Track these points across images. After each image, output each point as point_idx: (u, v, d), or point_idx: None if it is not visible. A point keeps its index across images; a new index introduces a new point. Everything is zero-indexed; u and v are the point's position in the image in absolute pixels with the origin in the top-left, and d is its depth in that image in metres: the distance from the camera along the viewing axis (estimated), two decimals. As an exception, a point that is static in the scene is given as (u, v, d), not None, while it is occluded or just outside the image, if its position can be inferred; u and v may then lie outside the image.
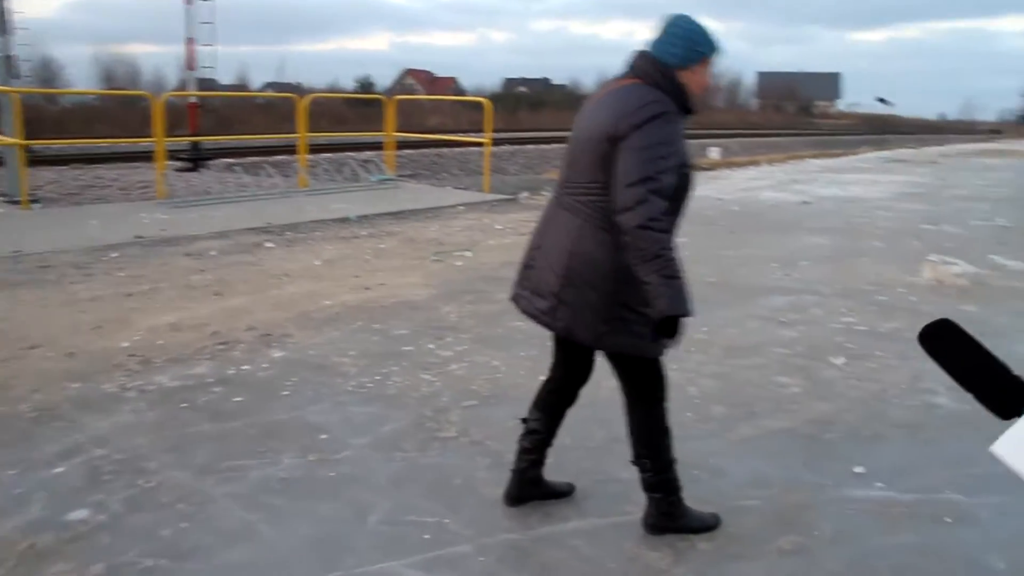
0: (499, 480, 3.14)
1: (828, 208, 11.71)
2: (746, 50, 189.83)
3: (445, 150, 20.67)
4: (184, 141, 14.45)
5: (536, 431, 2.99)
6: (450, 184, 13.77)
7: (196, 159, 14.39)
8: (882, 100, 37.82)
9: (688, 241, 8.13)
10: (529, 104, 53.69)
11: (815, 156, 23.25)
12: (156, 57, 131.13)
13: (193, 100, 15.01)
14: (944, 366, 1.25)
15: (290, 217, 9.12)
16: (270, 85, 64.09)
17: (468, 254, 7.59)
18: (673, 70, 2.53)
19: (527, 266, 2.78)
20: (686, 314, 2.42)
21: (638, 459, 2.81)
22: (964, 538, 2.92)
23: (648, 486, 2.83)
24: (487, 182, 12.65)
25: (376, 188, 12.18)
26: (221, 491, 3.12)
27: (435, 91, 70.59)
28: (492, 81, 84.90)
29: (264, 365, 4.49)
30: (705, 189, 13.30)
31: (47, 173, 12.89)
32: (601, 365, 2.94)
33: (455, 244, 8.06)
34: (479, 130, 13.95)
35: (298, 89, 47.40)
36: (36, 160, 13.43)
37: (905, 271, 7.29)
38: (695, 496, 3.03)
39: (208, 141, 15.65)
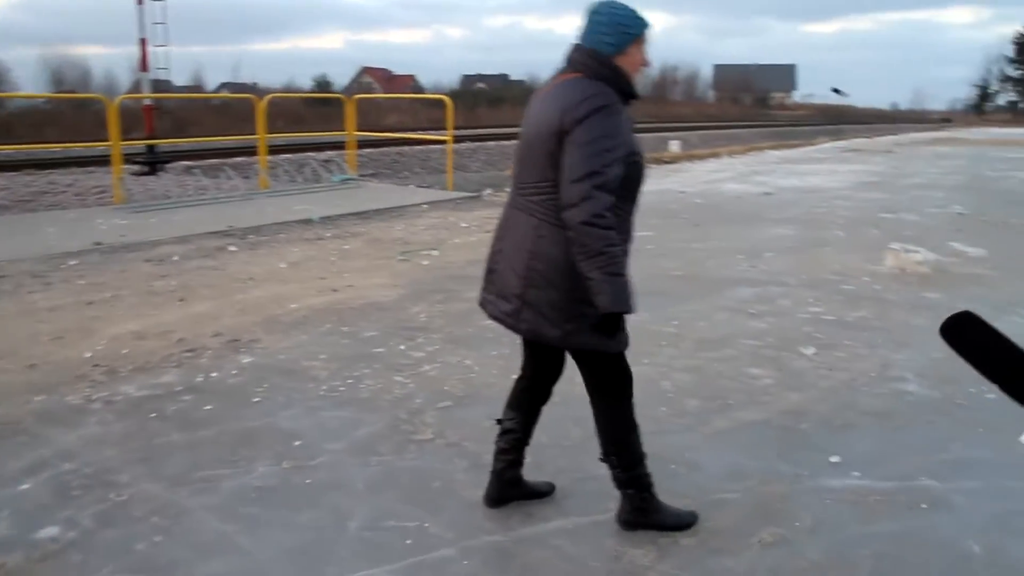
0: (478, 482, 3.12)
1: (789, 199, 11.84)
2: (701, 43, 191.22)
3: (406, 148, 20.55)
4: (140, 144, 14.20)
5: (512, 431, 2.97)
6: (413, 183, 13.69)
7: (153, 162, 14.14)
8: (837, 91, 38.46)
9: (653, 235, 8.21)
10: (488, 100, 53.58)
11: (774, 147, 23.53)
12: (107, 59, 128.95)
13: (148, 102, 14.73)
14: (966, 358, 1.25)
15: (252, 220, 9.00)
16: (225, 86, 63.25)
17: (435, 253, 7.55)
18: (610, 58, 2.52)
19: (490, 270, 2.78)
20: (627, 311, 2.45)
21: (606, 456, 2.81)
22: (941, 524, 2.95)
23: (619, 483, 2.83)
24: (450, 180, 12.60)
25: (338, 188, 12.07)
26: (195, 502, 3.06)
27: (393, 89, 70.28)
28: (450, 78, 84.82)
29: (233, 371, 4.42)
30: (667, 182, 13.39)
31: (-3, 179, 12.59)
32: (573, 362, 2.94)
33: (421, 243, 8.01)
34: (439, 128, 13.91)
35: (254, 89, 46.92)
36: (-15, 166, 13.11)
37: (867, 260, 7.39)
38: (673, 491, 3.04)
39: (165, 144, 15.38)
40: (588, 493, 3.10)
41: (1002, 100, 73.25)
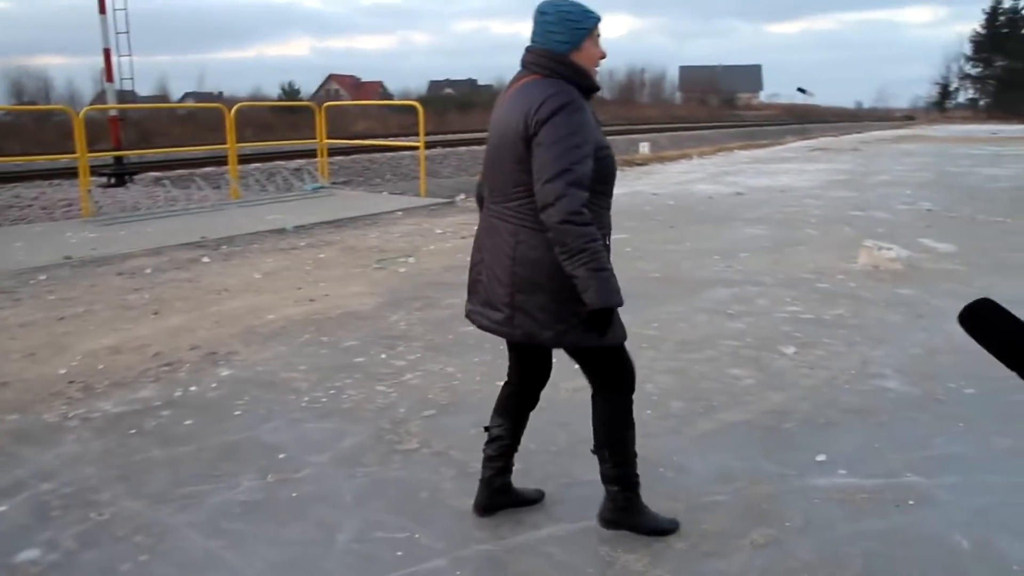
0: (466, 490, 3.09)
1: (761, 198, 11.93)
2: (667, 44, 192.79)
3: (377, 155, 20.46)
4: (107, 156, 14.00)
5: (500, 437, 2.95)
6: (385, 190, 13.62)
7: (121, 174, 13.95)
8: (802, 90, 38.88)
9: (629, 237, 8.23)
10: (457, 106, 53.52)
11: (743, 147, 23.72)
12: (68, 69, 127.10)
13: (114, 113, 14.54)
14: (986, 346, 1.24)
15: (225, 230, 8.90)
16: (190, 95, 62.75)
17: (411, 260, 7.51)
18: (565, 55, 2.52)
19: (474, 281, 2.77)
20: (616, 305, 2.45)
21: (598, 448, 2.80)
22: (927, 520, 2.97)
23: (606, 478, 2.82)
24: (423, 186, 12.55)
25: (311, 197, 11.98)
26: (179, 519, 3.00)
27: (361, 96, 70.00)
28: (418, 83, 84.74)
29: (212, 385, 4.35)
30: (639, 184, 13.44)
31: (-41, 195, 12.36)
32: (558, 366, 2.93)
33: (397, 250, 7.96)
34: (408, 134, 13.87)
35: (220, 98, 46.52)
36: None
37: (841, 258, 7.46)
38: (662, 493, 3.04)
39: (133, 155, 15.19)
40: (578, 499, 3.08)
41: (962, 97, 74.47)
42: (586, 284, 2.40)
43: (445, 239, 8.59)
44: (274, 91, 57.41)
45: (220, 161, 13.67)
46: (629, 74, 78.33)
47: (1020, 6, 66.15)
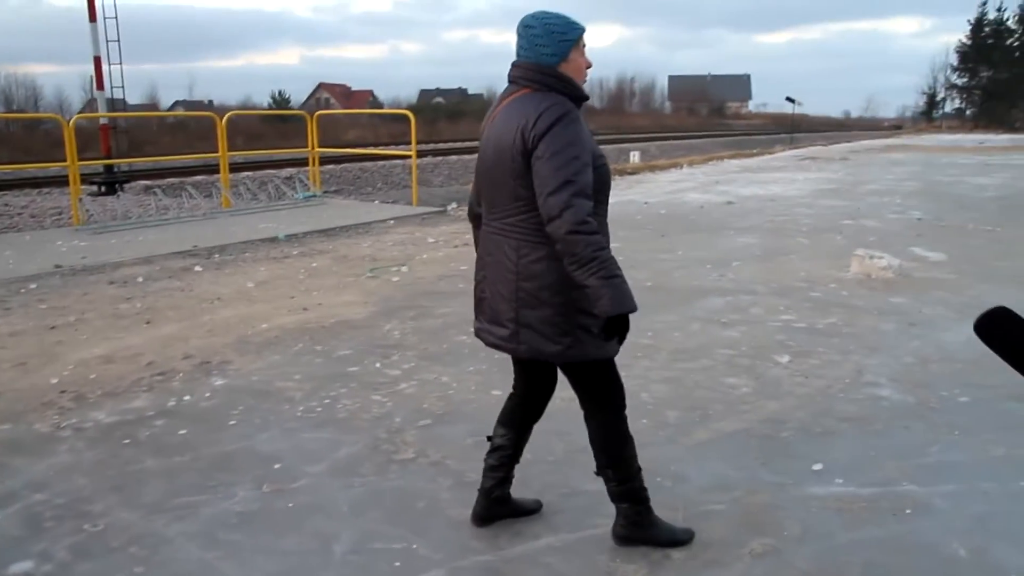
0: (463, 500, 3.08)
1: (752, 207, 11.97)
2: (657, 54, 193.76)
3: (368, 164, 20.47)
4: (97, 164, 13.95)
5: (503, 447, 2.94)
6: (377, 198, 13.61)
7: (112, 182, 13.90)
8: (791, 100, 38.91)
9: (621, 246, 8.22)
10: (447, 114, 53.61)
11: (733, 156, 23.82)
12: (57, 77, 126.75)
13: (105, 121, 14.49)
14: (1001, 354, 1.24)
15: (217, 239, 8.87)
16: (180, 103, 62.63)
17: (404, 269, 7.49)
18: (554, 67, 2.53)
19: (479, 299, 2.76)
20: (631, 310, 2.45)
21: (601, 470, 2.79)
22: (925, 529, 2.97)
23: (614, 496, 2.81)
24: (415, 195, 12.55)
25: (303, 205, 11.96)
26: (174, 530, 2.98)
27: (352, 105, 70.05)
28: (408, 92, 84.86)
29: (206, 394, 4.33)
30: (631, 193, 13.47)
31: (-51, 203, 12.29)
32: (560, 377, 2.92)
33: (390, 259, 7.95)
34: (399, 143, 13.89)
35: (210, 107, 46.44)
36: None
37: (833, 267, 7.48)
38: (660, 503, 3.02)
39: (123, 163, 15.14)
40: (576, 509, 3.08)
41: (949, 107, 74.97)
42: (599, 293, 2.38)
43: (438, 248, 8.58)
44: (264, 100, 57.42)
45: (211, 170, 13.65)
46: (619, 83, 78.57)
47: (1005, 18, 66.68)
